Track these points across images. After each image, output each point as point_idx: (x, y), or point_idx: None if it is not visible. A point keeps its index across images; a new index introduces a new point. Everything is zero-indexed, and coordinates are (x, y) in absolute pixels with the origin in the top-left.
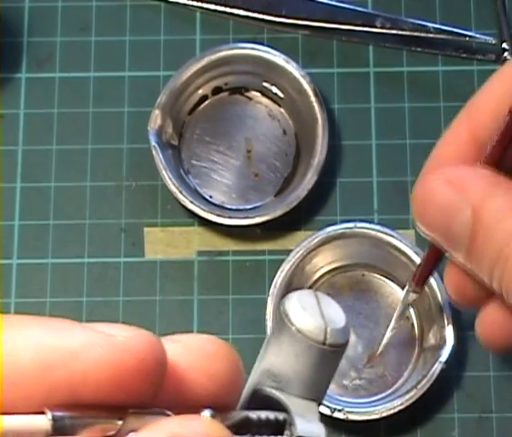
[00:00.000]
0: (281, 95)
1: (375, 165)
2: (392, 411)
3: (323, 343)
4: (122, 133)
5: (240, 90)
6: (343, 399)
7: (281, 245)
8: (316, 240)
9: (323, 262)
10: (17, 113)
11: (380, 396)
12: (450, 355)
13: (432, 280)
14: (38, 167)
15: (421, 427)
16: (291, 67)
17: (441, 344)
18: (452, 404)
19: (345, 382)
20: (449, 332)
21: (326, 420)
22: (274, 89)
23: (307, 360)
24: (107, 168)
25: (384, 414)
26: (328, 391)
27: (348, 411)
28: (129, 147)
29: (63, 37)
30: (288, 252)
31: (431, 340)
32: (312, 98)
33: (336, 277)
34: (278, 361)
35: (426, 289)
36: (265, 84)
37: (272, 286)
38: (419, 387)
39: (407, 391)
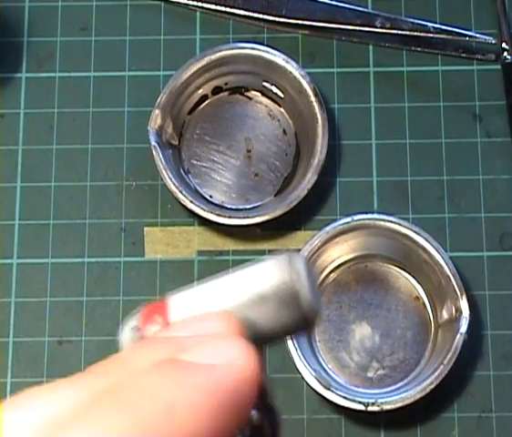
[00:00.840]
0: (281, 94)
1: (375, 164)
2: (424, 393)
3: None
4: (122, 133)
5: (240, 90)
6: (372, 391)
7: (281, 245)
8: (317, 241)
9: (326, 262)
10: (17, 113)
11: (406, 380)
12: (469, 325)
13: (437, 256)
14: (38, 167)
15: (421, 426)
16: (291, 67)
17: (457, 316)
18: (452, 403)
19: (370, 375)
20: (464, 303)
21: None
22: (274, 89)
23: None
24: (107, 168)
25: (418, 396)
26: (356, 389)
27: (381, 403)
28: (129, 147)
29: (63, 37)
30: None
31: (445, 315)
32: (312, 98)
33: (340, 273)
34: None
35: (433, 265)
36: (265, 84)
37: None
38: (445, 362)
39: (434, 370)
